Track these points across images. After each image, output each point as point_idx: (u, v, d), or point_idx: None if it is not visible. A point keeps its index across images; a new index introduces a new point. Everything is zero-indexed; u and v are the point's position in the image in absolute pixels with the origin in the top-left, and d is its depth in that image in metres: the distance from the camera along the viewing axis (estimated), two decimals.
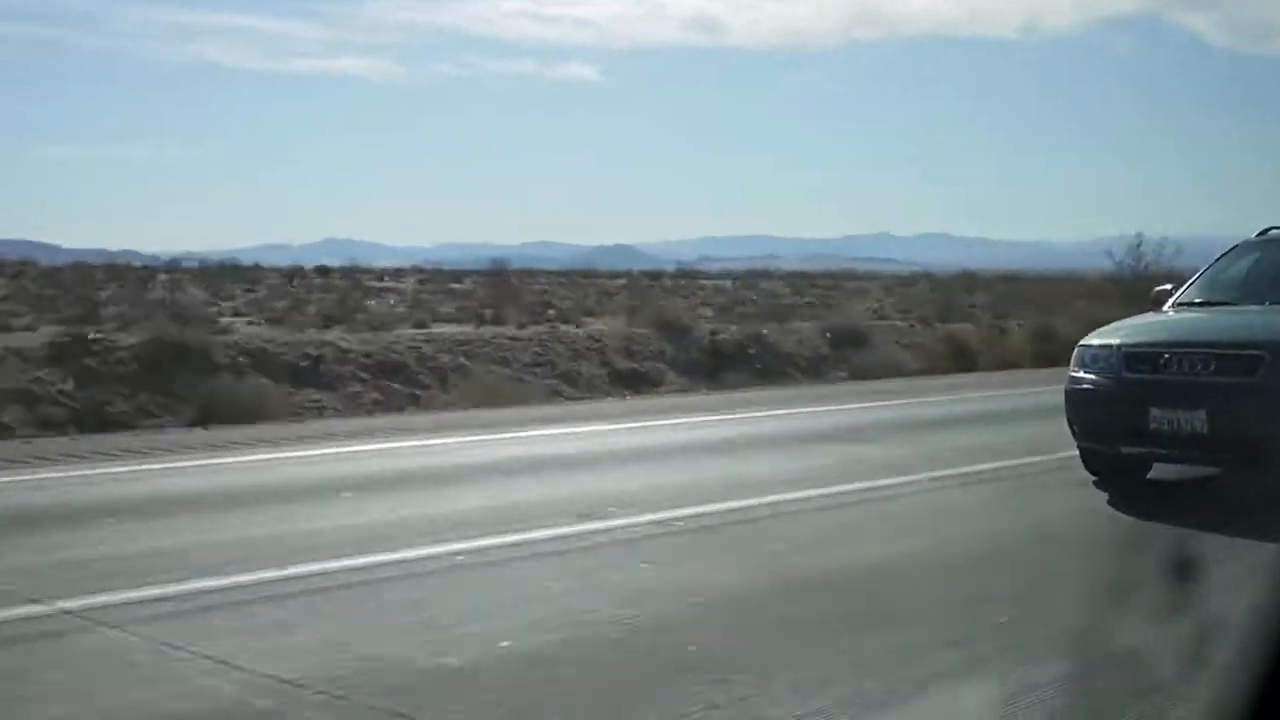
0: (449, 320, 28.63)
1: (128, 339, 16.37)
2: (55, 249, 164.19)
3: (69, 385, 15.16)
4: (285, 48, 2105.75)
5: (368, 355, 17.66)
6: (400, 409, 16.34)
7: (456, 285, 47.69)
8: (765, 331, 22.50)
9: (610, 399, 18.23)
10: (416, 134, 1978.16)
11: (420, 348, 18.52)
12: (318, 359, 17.16)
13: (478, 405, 16.25)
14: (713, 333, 22.27)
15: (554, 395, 18.36)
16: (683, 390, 19.43)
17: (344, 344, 18.05)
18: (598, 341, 20.52)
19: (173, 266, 58.15)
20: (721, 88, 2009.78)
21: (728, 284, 54.47)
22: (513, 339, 20.34)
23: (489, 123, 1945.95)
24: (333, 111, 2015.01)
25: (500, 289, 39.61)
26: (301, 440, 12.93)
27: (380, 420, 15.13)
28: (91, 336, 15.96)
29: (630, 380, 19.66)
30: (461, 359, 18.34)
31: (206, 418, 14.46)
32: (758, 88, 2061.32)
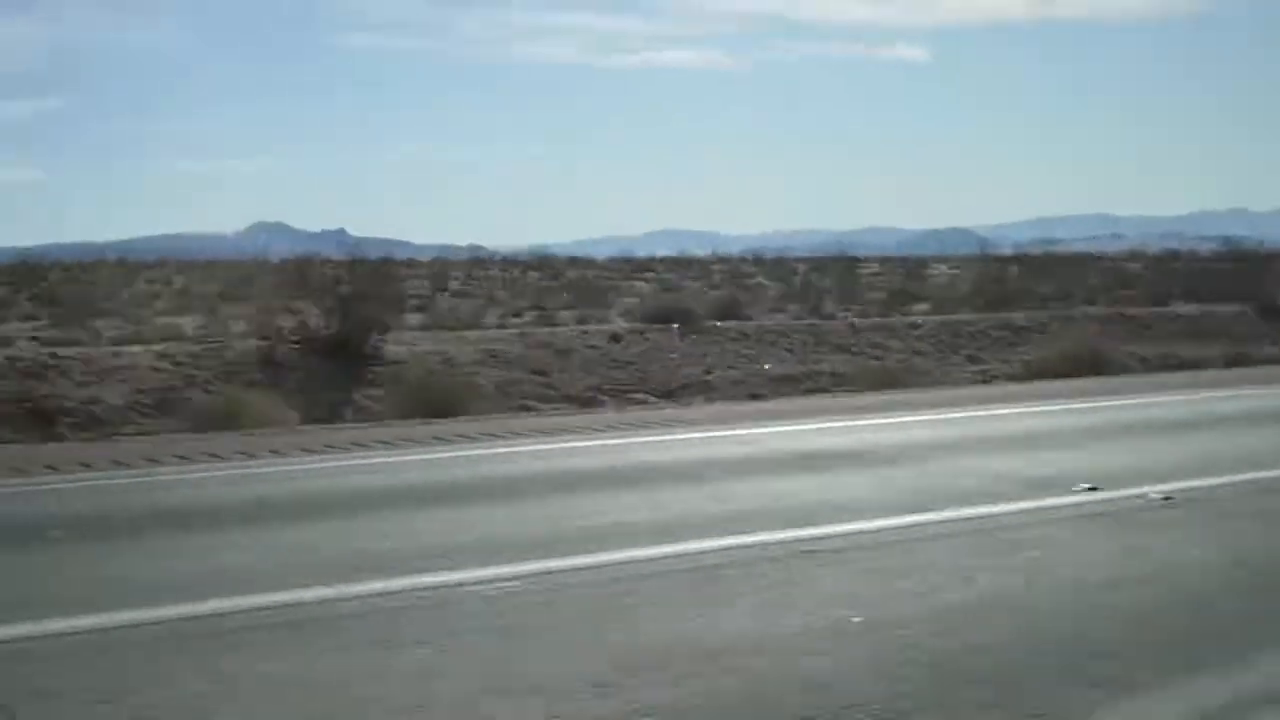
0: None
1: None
2: (407, 245, 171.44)
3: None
4: (612, 44, 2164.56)
5: None
6: None
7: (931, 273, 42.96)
8: None
9: None
10: (742, 121, 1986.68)
11: None
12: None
13: None
14: None
15: None
16: None
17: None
18: None
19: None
20: (1055, 61, 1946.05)
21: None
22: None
23: (813, 107, 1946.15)
24: (660, 103, 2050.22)
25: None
26: None
27: None
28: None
29: None
30: None
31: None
32: (1094, 60, 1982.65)
